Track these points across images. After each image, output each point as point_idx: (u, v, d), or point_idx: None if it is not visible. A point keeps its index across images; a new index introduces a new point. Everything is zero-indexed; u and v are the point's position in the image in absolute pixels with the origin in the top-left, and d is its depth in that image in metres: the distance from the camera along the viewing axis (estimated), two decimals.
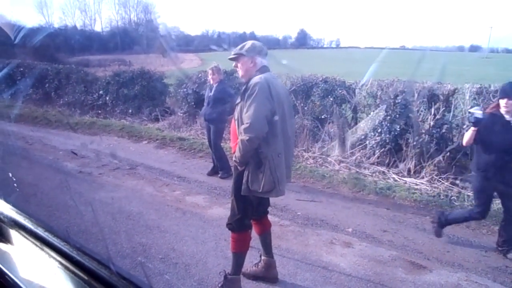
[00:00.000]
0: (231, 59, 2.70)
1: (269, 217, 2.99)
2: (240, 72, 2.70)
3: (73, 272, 0.85)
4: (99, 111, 9.88)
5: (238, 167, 2.58)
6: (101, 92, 9.95)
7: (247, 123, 2.41)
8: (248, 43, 2.65)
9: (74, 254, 0.85)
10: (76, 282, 0.84)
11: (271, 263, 2.95)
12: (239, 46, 2.65)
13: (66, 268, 0.87)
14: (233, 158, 2.58)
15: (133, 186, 5.04)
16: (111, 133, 8.05)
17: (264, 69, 2.61)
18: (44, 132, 8.20)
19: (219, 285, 2.72)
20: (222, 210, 4.22)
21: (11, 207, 1.07)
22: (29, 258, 0.96)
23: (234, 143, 2.65)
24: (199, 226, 3.89)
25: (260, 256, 2.98)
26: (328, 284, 2.95)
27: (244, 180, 2.53)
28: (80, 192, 4.88)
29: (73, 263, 0.85)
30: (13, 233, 1.02)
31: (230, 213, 2.72)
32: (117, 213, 4.11)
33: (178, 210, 4.27)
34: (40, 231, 0.93)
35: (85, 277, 0.83)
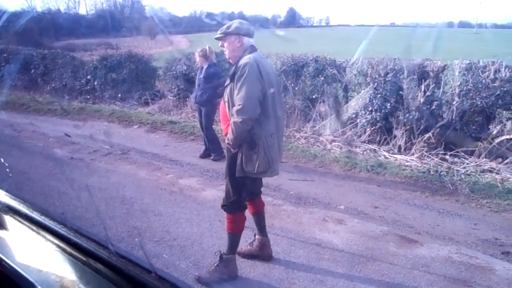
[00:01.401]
0: (217, 38, 2.65)
1: (262, 197, 3.02)
2: (227, 52, 2.66)
3: (71, 254, 0.86)
4: (88, 97, 9.75)
5: (231, 150, 2.58)
6: (89, 77, 9.80)
7: (239, 105, 2.40)
8: (235, 22, 2.60)
9: (71, 236, 0.86)
10: (74, 263, 0.85)
11: (265, 242, 3.00)
12: (225, 26, 2.60)
13: (63, 250, 0.88)
14: (226, 141, 2.58)
15: (125, 171, 5.03)
16: (101, 118, 7.97)
17: (252, 49, 2.58)
18: (32, 119, 8.07)
19: (215, 265, 2.77)
20: (216, 192, 4.25)
21: (5, 192, 1.07)
22: (25, 243, 0.96)
23: (225, 125, 2.65)
24: (193, 208, 3.92)
25: (255, 236, 3.02)
26: (321, 260, 3.02)
27: (238, 162, 2.54)
28: (72, 178, 4.86)
29: (71, 245, 0.86)
30: (8, 219, 1.02)
31: (225, 195, 2.74)
32: (110, 198, 4.11)
33: (172, 193, 4.29)
34: (36, 215, 0.94)
35: (84, 258, 0.84)
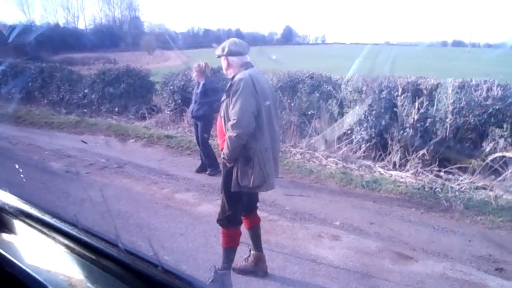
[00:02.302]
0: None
1: (258, 212, 3.04)
2: (224, 71, 2.77)
3: (80, 254, 0.89)
4: (85, 110, 9.76)
5: (227, 164, 2.61)
6: (86, 90, 9.83)
7: (234, 120, 2.44)
8: (225, 43, 2.69)
9: (82, 236, 0.88)
10: (83, 262, 0.87)
11: (260, 257, 3.00)
12: (221, 46, 2.71)
13: (73, 250, 0.90)
14: (222, 155, 2.61)
15: (121, 184, 5.02)
16: (97, 132, 7.98)
17: (247, 65, 2.65)
18: (28, 132, 8.07)
19: (210, 280, 2.76)
20: (212, 207, 4.25)
21: (16, 197, 1.10)
22: (35, 246, 0.99)
23: (221, 140, 2.69)
24: (189, 223, 3.91)
25: (250, 251, 3.02)
26: (317, 277, 3.01)
27: (233, 177, 2.56)
28: (67, 192, 4.84)
29: (81, 244, 0.88)
30: (17, 223, 1.05)
31: (221, 210, 2.75)
32: (106, 212, 4.10)
33: (168, 208, 4.29)
34: (47, 217, 0.96)
35: (93, 257, 0.86)
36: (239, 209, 2.74)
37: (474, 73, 7.14)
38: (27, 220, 1.03)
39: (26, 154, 6.41)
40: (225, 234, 2.76)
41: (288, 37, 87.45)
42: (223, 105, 2.60)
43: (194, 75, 5.34)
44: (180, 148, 6.70)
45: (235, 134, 2.44)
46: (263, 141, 2.56)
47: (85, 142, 6.45)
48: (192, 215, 4.10)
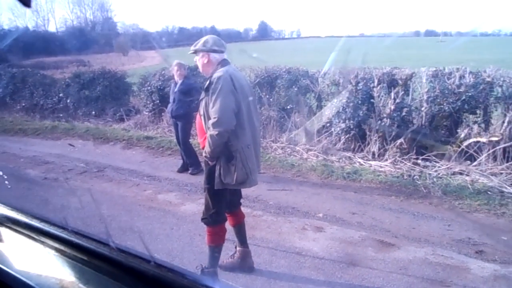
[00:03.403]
0: (191, 53, 2.75)
1: (242, 208, 3.05)
2: (200, 68, 2.74)
3: (72, 255, 0.88)
4: (61, 115, 9.54)
5: (209, 162, 2.61)
6: (61, 94, 9.61)
7: (214, 118, 2.44)
8: (203, 39, 2.67)
9: (72, 238, 0.88)
10: (74, 264, 0.87)
11: (246, 253, 3.01)
12: (196, 42, 2.69)
13: (64, 253, 0.90)
14: (203, 154, 2.61)
15: (102, 188, 4.95)
16: (75, 137, 7.82)
17: (224, 63, 2.65)
18: (1, 140, 7.85)
19: None
20: (195, 206, 4.24)
21: (1, 205, 1.08)
22: (24, 251, 0.98)
23: (202, 138, 2.69)
24: (173, 223, 3.89)
25: (236, 247, 3.03)
26: (302, 269, 3.05)
27: (216, 174, 2.56)
28: (46, 199, 4.74)
29: (72, 246, 0.88)
30: (4, 231, 1.03)
31: (205, 208, 2.75)
32: (87, 217, 4.03)
33: (151, 209, 4.25)
34: (35, 222, 0.95)
35: (85, 258, 0.86)
36: (223, 207, 2.74)
37: (447, 62, 7.32)
38: (14, 227, 1.01)
39: (0, 163, 6.22)
40: (210, 232, 2.76)
41: (264, 32, 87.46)
42: (202, 103, 2.59)
43: (175, 74, 5.29)
44: (161, 149, 6.64)
45: (216, 132, 2.44)
46: (245, 138, 2.57)
47: (72, 146, 6.34)
48: (176, 215, 4.08)
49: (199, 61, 2.70)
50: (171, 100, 5.35)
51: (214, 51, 2.65)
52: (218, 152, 2.53)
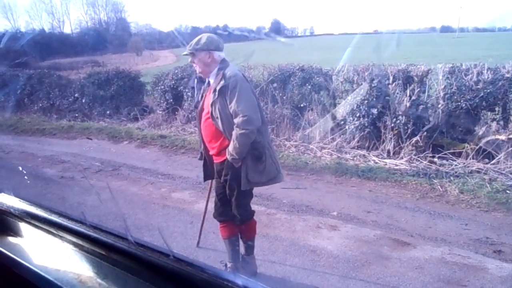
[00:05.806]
0: (186, 55, 2.59)
1: (256, 206, 3.06)
2: (197, 68, 2.60)
3: (90, 250, 0.89)
4: (76, 115, 9.69)
5: (235, 164, 2.51)
6: (76, 95, 9.74)
7: (244, 117, 2.38)
8: (203, 38, 2.53)
9: (90, 232, 0.89)
10: (92, 259, 0.88)
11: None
12: (195, 41, 2.54)
13: (82, 247, 0.91)
14: (229, 156, 2.48)
15: (117, 187, 5.00)
16: (90, 136, 7.93)
17: (224, 62, 2.57)
18: (20, 140, 8.00)
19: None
20: (209, 204, 4.24)
21: (21, 200, 1.10)
22: (43, 246, 0.99)
23: (216, 143, 2.59)
24: (188, 221, 3.91)
25: (226, 264, 2.96)
26: (317, 267, 3.03)
27: (242, 175, 2.51)
28: (63, 197, 4.82)
29: (90, 241, 0.89)
30: (23, 226, 1.05)
31: (237, 209, 2.68)
32: (103, 215, 4.08)
33: (165, 207, 4.28)
34: (54, 217, 0.96)
35: (103, 252, 0.87)
36: (249, 200, 2.79)
37: (464, 58, 7.18)
38: (33, 222, 1.03)
39: (19, 162, 6.35)
40: (249, 226, 2.82)
41: (277, 30, 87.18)
42: (216, 106, 2.47)
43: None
44: (174, 148, 6.68)
45: (247, 131, 2.39)
46: (267, 134, 2.62)
47: (90, 139, 6.49)
48: (190, 213, 4.10)
49: (200, 60, 2.54)
50: (195, 94, 5.34)
51: (219, 49, 2.55)
52: (246, 151, 2.46)
